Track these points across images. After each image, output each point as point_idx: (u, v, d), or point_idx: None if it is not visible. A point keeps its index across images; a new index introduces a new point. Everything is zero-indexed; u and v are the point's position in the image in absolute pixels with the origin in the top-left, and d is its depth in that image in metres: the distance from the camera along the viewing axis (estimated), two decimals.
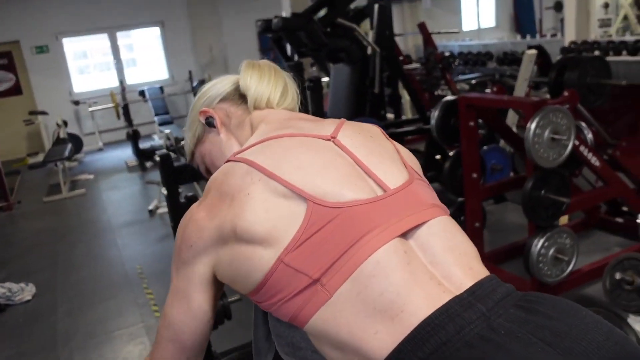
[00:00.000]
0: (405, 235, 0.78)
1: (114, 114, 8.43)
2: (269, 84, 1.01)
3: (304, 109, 1.06)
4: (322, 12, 4.21)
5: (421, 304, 0.72)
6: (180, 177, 2.30)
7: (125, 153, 8.10)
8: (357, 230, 0.76)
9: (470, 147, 3.05)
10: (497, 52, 8.41)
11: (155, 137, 8.53)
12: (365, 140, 0.90)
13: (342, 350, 0.76)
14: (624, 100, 3.03)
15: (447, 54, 6.13)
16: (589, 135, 2.89)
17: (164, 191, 2.30)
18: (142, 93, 8.79)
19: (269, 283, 0.79)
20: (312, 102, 3.01)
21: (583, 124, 2.95)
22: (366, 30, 4.59)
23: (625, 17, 9.24)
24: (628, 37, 7.50)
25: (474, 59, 8.46)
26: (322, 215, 0.77)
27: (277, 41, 4.91)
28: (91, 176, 7.08)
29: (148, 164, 7.12)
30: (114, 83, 9.19)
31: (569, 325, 0.70)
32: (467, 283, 0.76)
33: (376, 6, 3.88)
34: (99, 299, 3.56)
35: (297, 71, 3.51)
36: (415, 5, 11.01)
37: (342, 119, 0.96)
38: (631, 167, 2.97)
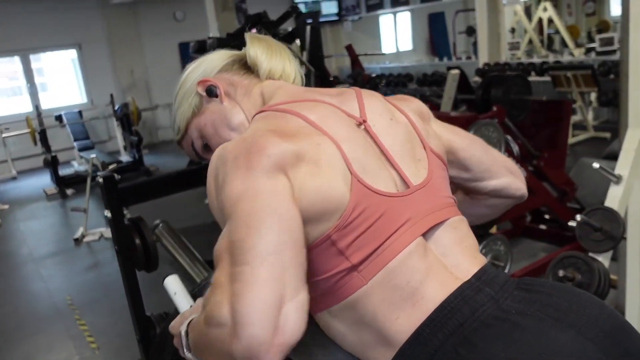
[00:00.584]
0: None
1: (27, 140, 7.98)
2: (281, 57, 1.01)
3: None
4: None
5: (437, 290, 0.78)
6: (125, 198, 2.23)
7: (42, 181, 7.67)
8: (392, 223, 0.79)
9: None
10: (416, 74, 8.83)
11: (75, 163, 8.16)
12: (389, 126, 0.90)
13: (360, 329, 0.80)
14: (542, 114, 3.27)
15: (373, 75, 6.33)
16: (516, 148, 3.08)
17: (108, 214, 2.21)
18: (58, 118, 8.38)
19: (317, 250, 0.78)
20: None
21: (509, 137, 3.14)
22: (295, 52, 4.68)
23: (531, 41, 9.96)
24: (535, 59, 8.09)
25: (395, 81, 8.82)
26: (363, 196, 0.78)
27: None
28: (6, 206, 6.64)
29: (69, 191, 6.79)
30: (27, 108, 8.72)
31: (568, 301, 0.77)
32: (473, 270, 0.82)
33: (308, 28, 3.96)
34: (25, 335, 3.32)
35: None
36: (338, 29, 11.32)
37: (356, 89, 0.95)
38: (553, 177, 3.19)
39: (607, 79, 6.45)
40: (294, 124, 0.82)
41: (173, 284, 1.08)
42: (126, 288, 2.30)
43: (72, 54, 9.41)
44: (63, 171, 7.17)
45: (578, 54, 8.38)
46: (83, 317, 3.46)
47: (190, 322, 0.84)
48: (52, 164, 6.81)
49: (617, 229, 1.71)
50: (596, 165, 1.70)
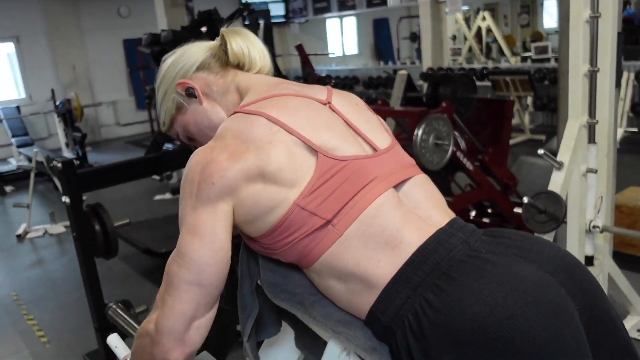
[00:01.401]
0: (394, 186, 0.93)
1: None
2: (255, 49, 1.07)
3: None
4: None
5: (414, 235, 0.88)
6: (84, 184, 2.21)
7: None
8: (360, 181, 0.89)
9: None
10: (362, 77, 9.06)
11: (13, 160, 7.84)
12: (354, 108, 1.03)
13: (347, 281, 0.88)
14: (486, 112, 3.46)
15: (323, 75, 6.45)
16: (463, 143, 3.25)
17: (66, 199, 2.19)
18: None
19: (285, 224, 0.87)
20: None
21: (457, 134, 3.31)
22: None
23: (471, 49, 10.39)
24: (476, 65, 8.45)
25: (342, 83, 8.99)
26: (330, 166, 0.89)
27: (156, 57, 4.85)
28: None
29: (8, 188, 6.53)
30: None
31: (529, 244, 0.89)
32: (444, 221, 0.93)
33: (262, 25, 4.02)
34: None
35: None
36: (284, 30, 11.39)
37: (327, 86, 1.06)
38: (496, 171, 3.38)
39: (542, 85, 6.84)
40: (257, 128, 0.91)
41: (114, 340, 1.34)
42: (84, 276, 2.29)
43: (9, 47, 9.03)
44: (1, 167, 6.89)
45: (514, 62, 8.82)
46: (30, 312, 3.37)
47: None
48: None
49: (560, 210, 1.87)
50: (541, 151, 1.85)
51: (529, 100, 7.01)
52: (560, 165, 1.92)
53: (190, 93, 1.06)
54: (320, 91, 1.03)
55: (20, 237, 4.80)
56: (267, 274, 0.99)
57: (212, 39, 1.14)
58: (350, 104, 1.03)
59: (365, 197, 0.88)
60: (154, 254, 3.50)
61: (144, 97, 9.44)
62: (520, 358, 0.76)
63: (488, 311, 0.77)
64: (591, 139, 2.01)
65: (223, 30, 1.08)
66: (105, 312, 2.25)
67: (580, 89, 1.92)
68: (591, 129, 2.00)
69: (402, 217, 0.90)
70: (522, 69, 6.90)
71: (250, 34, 1.09)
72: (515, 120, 6.98)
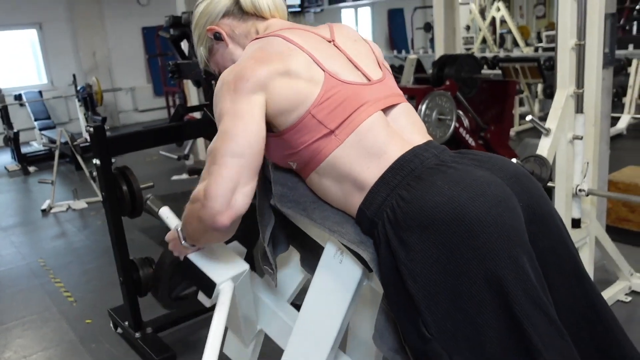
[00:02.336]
0: (383, 110, 1.13)
1: None
2: None
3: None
4: None
5: (396, 149, 1.08)
6: (113, 148, 2.42)
7: (1, 159, 7.63)
8: (356, 102, 1.10)
9: None
10: None
11: (34, 143, 8.12)
12: (352, 44, 1.22)
13: (342, 182, 1.09)
14: (490, 93, 3.62)
15: None
16: (466, 121, 3.41)
17: (97, 161, 2.39)
18: (18, 97, 8.31)
19: (301, 125, 1.08)
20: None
21: (461, 113, 3.47)
22: None
23: (485, 40, 10.46)
24: (488, 54, 8.55)
25: None
26: (333, 85, 1.09)
27: (175, 41, 5.05)
28: None
29: (31, 169, 6.80)
30: None
31: (488, 158, 1.10)
32: (422, 141, 1.13)
33: None
34: (3, 293, 3.44)
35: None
36: (299, 20, 11.53)
37: (329, 24, 1.25)
38: (498, 149, 3.54)
39: (551, 73, 6.91)
40: (276, 44, 1.13)
41: (165, 212, 1.47)
42: (112, 233, 2.50)
43: (31, 33, 9.30)
44: (24, 149, 7.16)
45: (527, 52, 8.90)
46: (57, 276, 3.61)
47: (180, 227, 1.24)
48: (14, 141, 6.80)
49: (546, 172, 2.03)
50: (529, 117, 2.01)
51: (539, 88, 7.12)
52: (547, 132, 2.08)
53: (218, 37, 1.27)
54: (324, 30, 1.24)
55: (44, 212, 5.06)
56: (277, 188, 1.19)
57: None
58: (349, 39, 1.23)
59: (360, 115, 1.09)
60: None
61: (161, 82, 9.71)
62: (468, 235, 0.95)
63: (446, 200, 0.97)
64: (578, 109, 2.17)
65: None
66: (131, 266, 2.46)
67: (567, 61, 2.08)
68: (579, 99, 2.16)
69: (387, 134, 1.11)
70: (531, 56, 7.00)
71: None
72: (525, 108, 7.11)
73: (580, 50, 2.10)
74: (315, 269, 1.24)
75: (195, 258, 1.26)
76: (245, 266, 1.26)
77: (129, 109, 10.14)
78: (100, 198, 5.15)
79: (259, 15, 1.26)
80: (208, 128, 2.53)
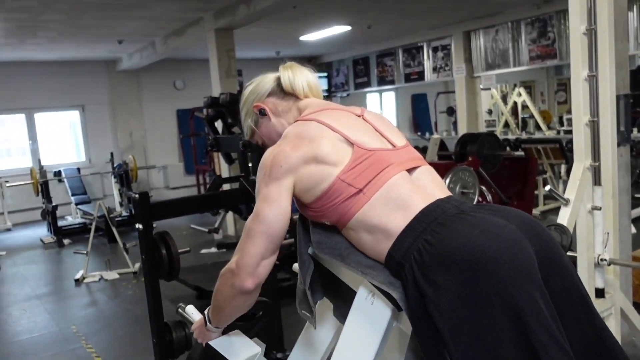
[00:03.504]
0: (407, 171, 1.29)
1: (23, 194, 8.34)
2: (303, 74, 1.47)
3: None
4: None
5: (420, 201, 1.23)
6: (155, 213, 2.59)
7: (37, 232, 7.92)
8: (383, 164, 1.26)
9: None
10: None
11: (69, 217, 8.43)
12: (380, 121, 1.41)
13: (373, 233, 1.23)
14: (512, 170, 3.75)
15: None
16: (489, 196, 3.53)
17: (139, 226, 2.55)
18: (57, 173, 8.74)
19: (330, 192, 1.23)
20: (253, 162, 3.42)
21: (484, 188, 3.60)
22: None
23: (507, 124, 10.74)
24: (510, 136, 8.77)
25: None
26: (362, 153, 1.26)
27: (210, 120, 5.38)
28: (3, 252, 6.84)
29: (66, 241, 7.04)
30: (27, 163, 9.08)
31: (503, 209, 1.23)
32: (443, 195, 1.27)
33: None
34: (39, 357, 3.53)
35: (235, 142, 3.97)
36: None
37: (362, 107, 1.44)
38: None
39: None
40: (311, 129, 1.32)
41: (190, 309, 1.73)
42: (149, 294, 2.61)
43: (74, 114, 9.88)
44: (60, 223, 7.45)
45: (549, 135, 9.10)
46: (89, 342, 3.70)
47: (209, 308, 1.47)
48: (52, 214, 7.10)
49: (567, 239, 2.12)
50: (547, 187, 2.13)
51: (562, 169, 7.23)
52: (566, 202, 2.19)
53: (263, 112, 1.47)
54: (356, 109, 1.44)
55: (77, 282, 5.21)
56: (315, 236, 1.33)
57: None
58: (377, 118, 1.42)
59: (386, 175, 1.25)
60: (202, 291, 3.82)
61: (192, 161, 10.09)
62: (487, 272, 1.06)
63: (466, 242, 1.10)
64: (596, 182, 2.28)
65: (281, 67, 1.49)
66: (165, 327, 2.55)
67: (582, 135, 2.22)
68: (596, 172, 2.27)
69: (411, 189, 1.25)
70: (554, 137, 7.17)
71: (298, 68, 1.49)
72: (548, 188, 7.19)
73: (594, 127, 2.24)
74: (346, 316, 1.34)
75: (217, 343, 1.48)
76: (258, 348, 1.48)
77: (160, 186, 10.49)
78: (131, 269, 5.36)
79: (296, 95, 1.46)
80: (244, 197, 2.70)
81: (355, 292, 1.32)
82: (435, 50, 9.62)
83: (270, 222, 1.28)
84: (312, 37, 8.66)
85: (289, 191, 1.28)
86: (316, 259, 1.38)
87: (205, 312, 1.49)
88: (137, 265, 5.38)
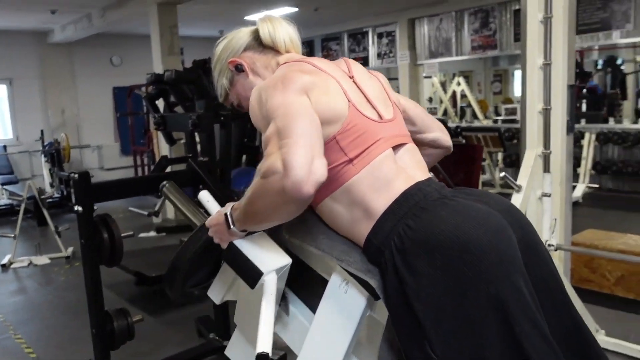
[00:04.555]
0: (392, 148, 1.22)
1: None
2: (284, 28, 1.36)
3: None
4: None
5: (402, 183, 1.17)
6: (96, 195, 2.43)
7: None
8: (373, 136, 1.19)
9: None
10: None
11: None
12: (367, 81, 1.31)
13: (352, 208, 1.17)
14: (458, 156, 3.80)
15: None
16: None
17: (79, 208, 2.39)
18: None
19: (326, 147, 1.13)
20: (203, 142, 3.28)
21: (432, 174, 3.62)
22: None
23: (446, 112, 10.96)
24: (450, 124, 8.95)
25: None
26: (356, 115, 1.19)
27: (152, 99, 5.15)
28: None
29: None
30: None
31: (485, 194, 1.19)
32: (424, 177, 1.22)
33: None
34: None
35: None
36: None
37: (345, 59, 1.34)
38: None
39: (511, 143, 7.31)
40: (308, 67, 1.23)
41: (206, 195, 1.41)
42: (88, 281, 2.46)
43: (0, 88, 9.26)
44: None
45: (486, 124, 9.36)
46: (18, 332, 3.47)
47: (232, 207, 1.23)
48: None
49: None
50: (502, 174, 2.15)
51: (500, 157, 7.45)
52: (519, 188, 2.22)
53: (239, 68, 1.35)
54: (342, 64, 1.33)
55: (4, 267, 4.89)
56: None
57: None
58: (364, 76, 1.32)
59: (375, 150, 1.18)
60: (142, 276, 3.66)
61: (129, 141, 9.70)
62: (472, 259, 1.03)
63: (450, 228, 1.05)
64: (546, 169, 2.32)
65: (258, 18, 1.38)
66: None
67: (535, 123, 2.25)
68: (546, 160, 2.32)
69: (395, 170, 1.19)
70: (493, 126, 7.37)
71: (278, 20, 1.37)
72: (486, 176, 7.41)
73: (546, 115, 2.27)
74: (315, 307, 1.28)
75: (242, 245, 1.23)
76: (289, 260, 1.25)
77: (94, 167, 10.04)
78: (64, 253, 5.08)
79: (276, 50, 1.35)
80: (193, 179, 2.58)
81: (323, 281, 1.26)
82: (380, 36, 9.65)
83: (309, 117, 1.10)
84: (258, 17, 8.41)
85: (310, 105, 1.13)
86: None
87: (227, 211, 1.22)
88: (70, 249, 5.11)
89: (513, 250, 1.08)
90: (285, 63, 1.28)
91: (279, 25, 1.36)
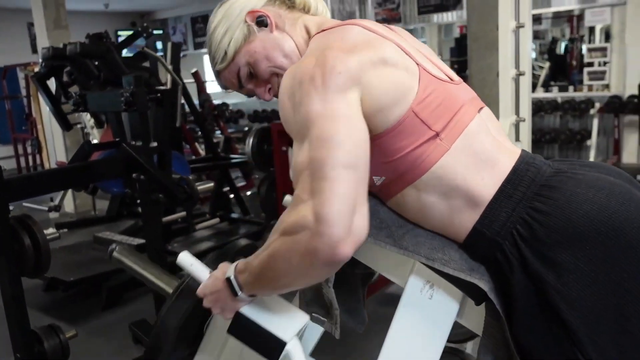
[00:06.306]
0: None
1: None
2: None
3: None
4: None
5: (506, 158, 0.95)
6: (10, 192, 1.98)
7: None
8: (455, 101, 0.94)
9: (283, 169, 3.31)
10: (247, 111, 9.18)
11: None
12: (420, 45, 1.05)
13: (450, 197, 0.92)
14: None
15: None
16: None
17: None
18: None
19: (400, 127, 0.90)
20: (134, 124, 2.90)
21: None
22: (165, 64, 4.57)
23: None
24: None
25: (228, 116, 8.98)
26: (430, 80, 0.94)
27: (41, 79, 4.51)
28: None
29: None
30: None
31: (594, 164, 0.99)
32: (515, 149, 0.99)
33: (169, 44, 3.93)
34: None
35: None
36: None
37: (392, 26, 1.06)
38: None
39: None
40: (355, 33, 0.95)
41: (187, 258, 1.09)
42: (8, 297, 2.03)
43: None
44: None
45: None
46: None
47: (236, 269, 0.95)
48: None
49: None
50: None
51: None
52: None
53: (261, 21, 1.04)
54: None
55: None
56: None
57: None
58: (416, 41, 1.06)
59: (464, 117, 0.94)
60: (56, 281, 3.21)
61: (8, 128, 8.64)
62: (628, 246, 0.85)
63: (597, 209, 0.86)
64: (517, 137, 2.25)
65: None
66: None
67: (509, 91, 2.16)
68: (517, 127, 2.24)
69: (492, 141, 0.96)
70: None
71: None
72: None
73: (517, 81, 2.19)
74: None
75: (252, 313, 0.97)
76: (307, 317, 0.99)
77: None
78: None
79: (305, 11, 1.08)
80: (127, 167, 2.20)
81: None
82: None
83: (353, 148, 0.83)
84: None
85: (360, 108, 0.88)
86: None
87: (231, 275, 0.95)
88: None
89: None
90: (322, 31, 1.00)
91: None
